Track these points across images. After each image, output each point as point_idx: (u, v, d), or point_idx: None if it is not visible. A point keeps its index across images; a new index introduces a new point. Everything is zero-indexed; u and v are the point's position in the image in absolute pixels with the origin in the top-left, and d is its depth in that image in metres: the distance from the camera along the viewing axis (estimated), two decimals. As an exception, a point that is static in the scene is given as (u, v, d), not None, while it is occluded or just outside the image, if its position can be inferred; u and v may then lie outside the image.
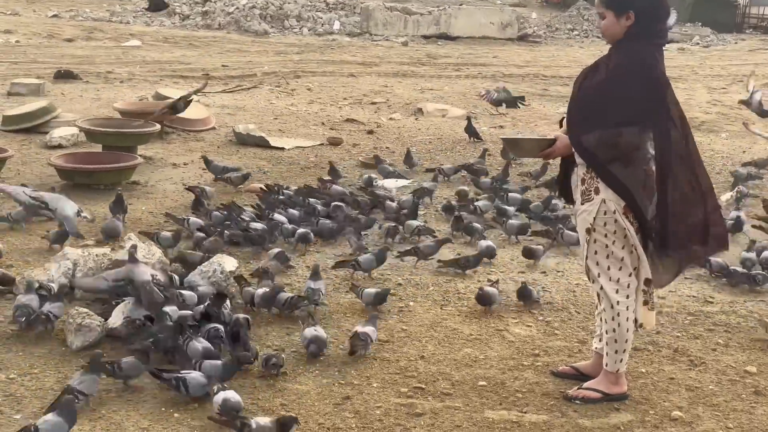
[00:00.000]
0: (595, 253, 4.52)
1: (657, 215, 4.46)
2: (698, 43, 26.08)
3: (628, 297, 4.56)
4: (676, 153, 4.44)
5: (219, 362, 4.67)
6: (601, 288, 4.55)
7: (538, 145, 4.69)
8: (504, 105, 13.24)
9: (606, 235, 4.47)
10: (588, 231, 4.50)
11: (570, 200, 4.80)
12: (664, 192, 4.43)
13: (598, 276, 4.54)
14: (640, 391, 4.86)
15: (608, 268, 4.51)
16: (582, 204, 4.52)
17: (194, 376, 4.52)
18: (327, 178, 8.70)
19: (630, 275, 4.55)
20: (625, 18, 4.40)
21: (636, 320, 4.62)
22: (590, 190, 4.48)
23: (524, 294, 5.96)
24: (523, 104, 13.29)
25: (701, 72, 19.30)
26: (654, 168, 4.43)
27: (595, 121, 4.40)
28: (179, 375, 4.53)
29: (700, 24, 29.29)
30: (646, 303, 4.63)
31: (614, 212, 4.43)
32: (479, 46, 23.33)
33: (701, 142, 11.59)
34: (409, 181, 8.81)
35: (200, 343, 4.79)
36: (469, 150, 10.86)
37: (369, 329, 5.18)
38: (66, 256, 5.96)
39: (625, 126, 4.35)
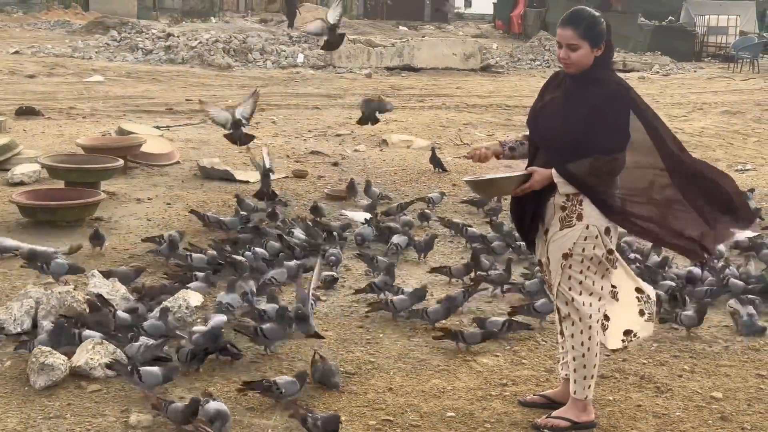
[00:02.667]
0: (569, 278, 4.55)
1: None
2: (658, 72, 26.41)
3: (599, 321, 4.63)
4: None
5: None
6: (575, 310, 4.57)
7: (515, 182, 4.57)
8: None
9: (582, 261, 4.53)
10: (565, 256, 4.54)
11: (528, 233, 4.78)
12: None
13: (572, 300, 4.56)
14: (608, 419, 4.87)
15: (580, 293, 4.56)
16: (561, 230, 4.54)
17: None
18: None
19: (600, 299, 4.61)
20: (597, 49, 4.51)
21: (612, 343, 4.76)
22: (571, 217, 4.52)
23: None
24: None
25: (662, 100, 19.52)
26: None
27: (585, 150, 4.45)
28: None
29: (659, 53, 29.66)
30: (642, 314, 4.79)
31: (596, 237, 4.50)
32: (442, 77, 23.49)
33: (663, 169, 11.71)
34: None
35: None
36: (433, 180, 10.89)
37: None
38: (28, 294, 5.91)
39: (619, 152, 4.47)
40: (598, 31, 4.51)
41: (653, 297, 4.88)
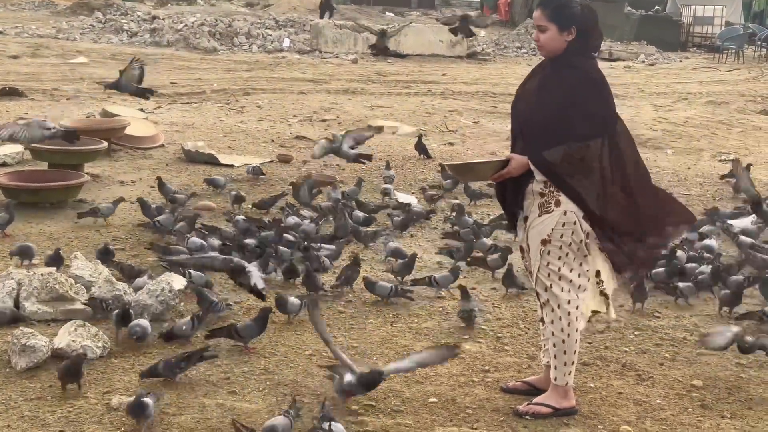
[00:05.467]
0: (548, 264, 4.58)
1: (616, 220, 4.58)
2: (644, 61, 26.43)
3: (577, 307, 4.63)
4: (630, 159, 4.63)
5: None
6: (554, 296, 4.60)
7: (492, 168, 4.62)
8: None
9: (561, 247, 4.55)
10: (543, 242, 4.56)
11: (512, 218, 4.83)
12: (626, 196, 4.59)
13: (551, 286, 4.59)
14: (589, 405, 4.89)
15: (559, 279, 4.57)
16: (539, 216, 4.56)
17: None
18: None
19: (579, 287, 4.62)
20: (567, 33, 4.51)
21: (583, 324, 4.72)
22: (550, 203, 4.53)
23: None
24: None
25: (647, 90, 19.58)
26: (605, 176, 4.53)
27: (559, 136, 4.46)
28: None
29: (645, 42, 29.68)
30: (602, 293, 4.72)
31: (574, 223, 4.52)
32: (429, 64, 23.44)
33: (647, 158, 11.66)
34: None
35: None
36: (419, 167, 10.88)
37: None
38: (10, 275, 5.88)
39: (591, 139, 4.47)
40: (566, 15, 4.51)
41: (611, 280, 4.82)
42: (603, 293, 4.73)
